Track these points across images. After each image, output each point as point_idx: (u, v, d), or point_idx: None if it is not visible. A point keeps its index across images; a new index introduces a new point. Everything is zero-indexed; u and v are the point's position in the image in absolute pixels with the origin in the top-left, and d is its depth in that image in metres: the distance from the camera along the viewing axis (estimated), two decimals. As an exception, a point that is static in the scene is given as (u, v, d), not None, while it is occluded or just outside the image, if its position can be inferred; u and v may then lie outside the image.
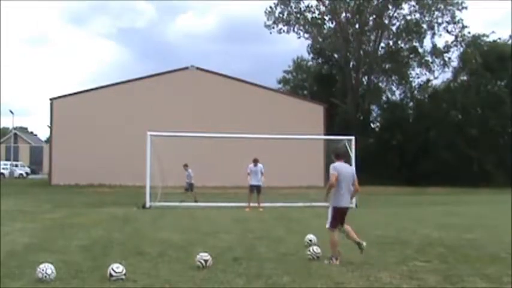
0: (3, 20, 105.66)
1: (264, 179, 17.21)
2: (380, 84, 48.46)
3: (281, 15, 45.09)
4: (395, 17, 45.33)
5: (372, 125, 50.26)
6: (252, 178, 17.12)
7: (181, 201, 18.54)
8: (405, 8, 44.83)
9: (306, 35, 46.42)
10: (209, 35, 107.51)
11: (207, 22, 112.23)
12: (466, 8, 43.58)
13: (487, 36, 44.68)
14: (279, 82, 55.14)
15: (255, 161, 17.34)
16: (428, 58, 46.10)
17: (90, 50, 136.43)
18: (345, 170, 7.50)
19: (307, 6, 45.08)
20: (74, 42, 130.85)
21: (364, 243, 7.58)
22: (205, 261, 6.70)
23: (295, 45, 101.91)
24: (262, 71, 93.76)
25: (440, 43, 45.87)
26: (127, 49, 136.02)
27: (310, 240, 8.72)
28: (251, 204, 16.84)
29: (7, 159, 61.64)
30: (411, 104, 48.91)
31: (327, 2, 44.80)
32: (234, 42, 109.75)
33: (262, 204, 16.83)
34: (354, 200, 18.40)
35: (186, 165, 20.25)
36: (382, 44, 46.53)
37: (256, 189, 17.08)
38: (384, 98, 48.97)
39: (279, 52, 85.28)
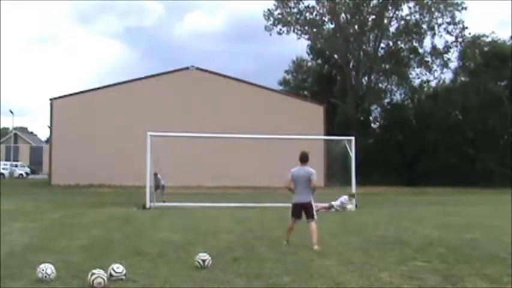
0: (4, 18, 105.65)
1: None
2: (380, 84, 48.48)
3: (280, 16, 45.07)
4: (395, 18, 45.38)
5: (372, 125, 50.26)
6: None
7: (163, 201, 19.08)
8: (405, 9, 44.93)
9: (306, 36, 46.44)
10: (215, 35, 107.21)
11: (213, 22, 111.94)
12: (465, 8, 43.64)
13: (487, 36, 44.78)
14: (280, 84, 55.12)
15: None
16: (428, 58, 46.13)
17: (92, 50, 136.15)
18: (300, 173, 8.72)
19: (307, 6, 45.11)
20: (75, 42, 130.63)
21: (316, 247, 8.20)
22: (203, 261, 6.69)
23: (297, 45, 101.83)
24: (266, 71, 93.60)
25: (440, 43, 46.01)
26: (132, 49, 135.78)
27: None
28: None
29: (7, 160, 61.59)
30: (411, 104, 48.90)
31: (326, 3, 44.78)
32: (238, 42, 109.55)
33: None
34: (353, 200, 18.51)
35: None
36: (382, 45, 46.63)
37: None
38: (383, 98, 48.96)
39: (283, 52, 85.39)
